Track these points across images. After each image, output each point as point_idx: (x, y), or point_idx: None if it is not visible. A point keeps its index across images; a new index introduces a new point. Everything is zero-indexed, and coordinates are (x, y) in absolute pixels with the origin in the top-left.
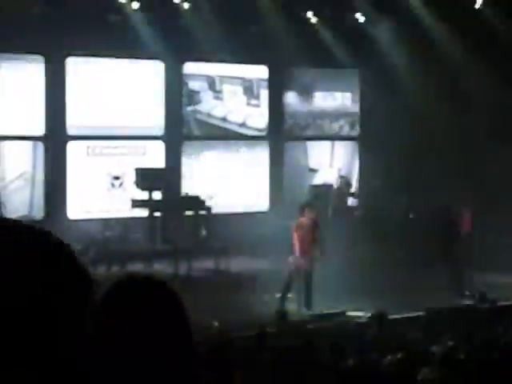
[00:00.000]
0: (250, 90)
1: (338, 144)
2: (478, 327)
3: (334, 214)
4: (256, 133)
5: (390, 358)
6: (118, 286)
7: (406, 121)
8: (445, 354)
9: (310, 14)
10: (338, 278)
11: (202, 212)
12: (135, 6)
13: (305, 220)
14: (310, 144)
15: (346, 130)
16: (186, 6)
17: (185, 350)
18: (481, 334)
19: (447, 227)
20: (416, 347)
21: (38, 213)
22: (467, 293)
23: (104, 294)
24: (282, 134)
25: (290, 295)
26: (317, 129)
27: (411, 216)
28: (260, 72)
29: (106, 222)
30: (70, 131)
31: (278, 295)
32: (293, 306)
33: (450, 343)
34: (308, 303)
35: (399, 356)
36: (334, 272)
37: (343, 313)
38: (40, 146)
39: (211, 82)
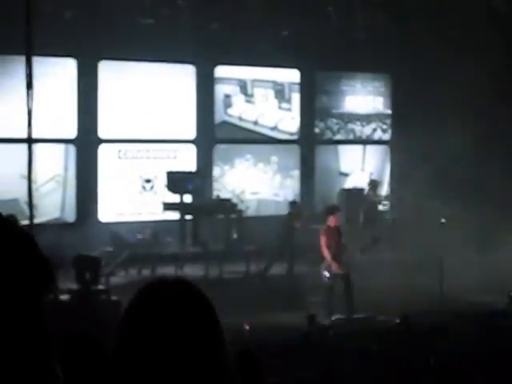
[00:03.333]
0: (281, 93)
1: (370, 148)
2: None
3: (366, 220)
4: (287, 136)
5: None
6: (149, 287)
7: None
8: None
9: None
10: (366, 282)
11: (234, 215)
12: (166, 10)
13: (332, 224)
14: (342, 148)
15: (377, 134)
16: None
17: (214, 349)
18: None
19: None
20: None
21: (70, 215)
22: None
23: (135, 296)
24: (314, 138)
25: (319, 299)
26: (348, 133)
27: (443, 221)
28: (292, 76)
29: (138, 225)
30: (102, 134)
31: (310, 299)
32: (322, 311)
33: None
34: (349, 307)
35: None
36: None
37: (373, 317)
38: (72, 148)
39: (243, 86)
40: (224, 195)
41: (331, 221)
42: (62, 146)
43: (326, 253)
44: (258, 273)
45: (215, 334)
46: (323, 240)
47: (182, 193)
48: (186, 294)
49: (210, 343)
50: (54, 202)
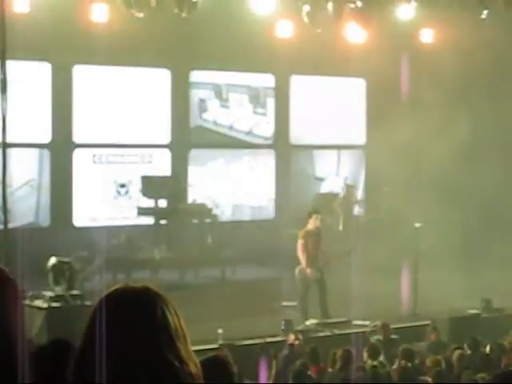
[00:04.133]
0: (256, 98)
1: (345, 152)
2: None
3: (345, 225)
4: (262, 141)
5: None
6: (112, 294)
7: (410, 129)
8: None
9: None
10: (342, 287)
11: (208, 220)
12: (139, 14)
13: (311, 228)
14: (317, 152)
15: (352, 139)
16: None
17: (168, 357)
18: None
19: None
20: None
21: (44, 220)
22: None
23: (99, 301)
24: (289, 143)
25: (295, 304)
26: (323, 137)
27: (417, 225)
28: (266, 80)
29: (112, 230)
30: (76, 139)
31: (285, 304)
32: (297, 315)
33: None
34: (324, 312)
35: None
36: (339, 281)
37: (349, 321)
38: (46, 153)
39: (218, 91)
40: (199, 200)
41: (310, 224)
42: (36, 151)
43: (302, 256)
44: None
45: (168, 341)
46: (301, 243)
47: (156, 197)
48: (146, 300)
49: (167, 349)
50: (28, 206)
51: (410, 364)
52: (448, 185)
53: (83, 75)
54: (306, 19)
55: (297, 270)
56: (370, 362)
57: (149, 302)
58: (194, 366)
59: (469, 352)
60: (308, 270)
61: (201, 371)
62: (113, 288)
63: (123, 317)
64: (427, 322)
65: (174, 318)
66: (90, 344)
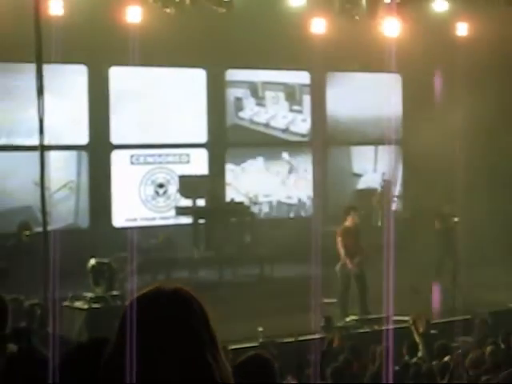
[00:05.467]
0: (292, 95)
1: (382, 149)
2: None
3: (383, 221)
4: (299, 138)
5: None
6: (143, 296)
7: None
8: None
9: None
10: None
11: (246, 218)
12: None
13: (349, 225)
14: (354, 149)
15: (388, 135)
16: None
17: (203, 357)
18: None
19: None
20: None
21: (84, 221)
22: None
23: (130, 303)
24: (325, 140)
25: (334, 301)
26: (360, 133)
27: (456, 219)
28: (302, 77)
29: (151, 230)
30: (114, 140)
31: (325, 301)
32: (337, 312)
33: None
34: (363, 308)
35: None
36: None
37: (388, 317)
38: (84, 155)
39: (253, 89)
40: (237, 198)
41: (349, 221)
42: (74, 153)
43: (342, 253)
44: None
45: (204, 341)
46: (340, 240)
47: (194, 197)
48: (179, 302)
49: (200, 351)
50: (67, 208)
51: (447, 359)
52: (487, 177)
53: (119, 77)
54: (340, 15)
55: (337, 267)
56: (408, 358)
57: (182, 303)
58: (227, 370)
59: (503, 347)
60: (348, 267)
61: (231, 375)
62: (144, 289)
63: (156, 317)
64: (467, 317)
65: (207, 319)
66: (121, 345)
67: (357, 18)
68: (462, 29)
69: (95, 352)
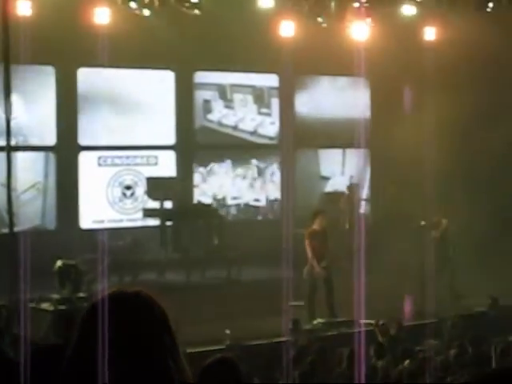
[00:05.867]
0: (260, 98)
1: (350, 152)
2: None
3: (351, 224)
4: (267, 141)
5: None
6: (99, 301)
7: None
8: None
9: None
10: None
11: (214, 221)
12: (146, 13)
13: (317, 228)
14: (322, 152)
15: (357, 138)
16: (195, 12)
17: (158, 345)
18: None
19: None
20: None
21: (51, 223)
22: None
23: (91, 306)
24: (294, 142)
25: (302, 303)
26: (328, 137)
27: (423, 223)
28: (271, 80)
29: (118, 232)
30: (82, 141)
31: (292, 304)
32: (305, 315)
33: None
34: (331, 311)
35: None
36: (346, 280)
37: (355, 321)
38: (52, 156)
39: (222, 91)
40: (205, 201)
41: (316, 224)
42: (42, 154)
43: (310, 256)
44: None
45: (165, 345)
46: (307, 243)
47: (162, 199)
48: (140, 306)
49: (160, 354)
50: (34, 209)
51: (412, 363)
52: (452, 181)
53: (88, 78)
54: (309, 18)
55: (305, 270)
56: (375, 360)
57: (143, 306)
58: (187, 373)
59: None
60: (315, 270)
61: (191, 378)
62: (105, 292)
63: (117, 320)
64: (434, 320)
65: (168, 322)
66: (81, 348)
67: (324, 24)
68: (430, 33)
69: (52, 357)
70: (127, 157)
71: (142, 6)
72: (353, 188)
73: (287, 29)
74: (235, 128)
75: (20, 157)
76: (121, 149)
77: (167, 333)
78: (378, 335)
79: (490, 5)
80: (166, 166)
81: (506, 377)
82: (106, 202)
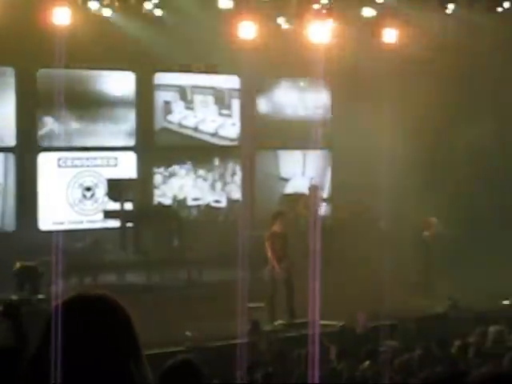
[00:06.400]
0: (221, 99)
1: (310, 153)
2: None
3: (305, 225)
4: (228, 142)
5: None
6: (67, 303)
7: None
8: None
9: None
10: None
11: (174, 222)
12: (107, 13)
13: (277, 229)
14: (282, 153)
15: (317, 139)
16: (157, 13)
17: (121, 350)
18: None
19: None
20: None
21: (10, 224)
22: None
23: (54, 309)
24: (254, 144)
25: (262, 305)
26: (288, 138)
27: (382, 224)
28: (231, 82)
29: (79, 234)
30: (41, 142)
31: (252, 305)
32: (265, 316)
33: (419, 351)
34: (291, 312)
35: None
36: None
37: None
38: (11, 157)
39: (182, 92)
40: (165, 202)
41: (276, 226)
42: (1, 155)
43: (271, 258)
44: None
45: (128, 350)
46: (268, 245)
47: (122, 200)
48: (104, 310)
49: (123, 360)
50: None
51: (375, 364)
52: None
53: (48, 79)
54: (270, 20)
55: (265, 271)
56: (337, 362)
57: (107, 311)
58: (149, 378)
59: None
60: (276, 271)
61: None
62: (68, 296)
63: (80, 325)
64: (394, 322)
65: (132, 327)
66: (46, 352)
67: (285, 26)
68: (391, 34)
69: (7, 360)
70: (87, 158)
71: (102, 6)
72: (312, 189)
73: (247, 30)
74: (196, 129)
75: None
76: (81, 150)
77: (131, 337)
78: (339, 336)
79: (451, 6)
80: (127, 167)
81: (457, 378)
82: (66, 204)
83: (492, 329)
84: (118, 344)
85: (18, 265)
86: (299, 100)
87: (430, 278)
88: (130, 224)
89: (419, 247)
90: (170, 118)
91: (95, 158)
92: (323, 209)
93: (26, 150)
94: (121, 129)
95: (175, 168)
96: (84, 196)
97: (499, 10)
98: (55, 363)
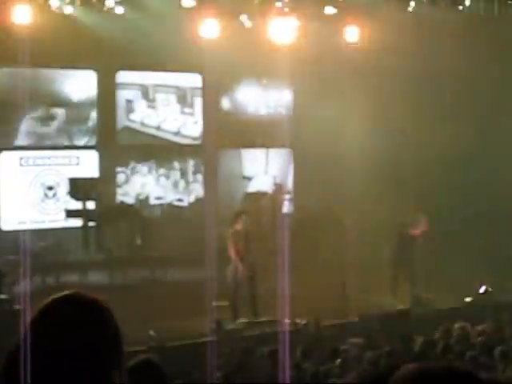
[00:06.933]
0: (183, 98)
1: (273, 151)
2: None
3: (268, 223)
4: (190, 141)
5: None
6: (51, 303)
7: (339, 128)
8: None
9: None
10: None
11: (137, 221)
12: (68, 10)
13: (239, 228)
14: (245, 152)
15: (280, 138)
16: (119, 11)
17: (107, 362)
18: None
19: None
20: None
21: None
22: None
23: (39, 310)
24: (217, 142)
25: (225, 304)
26: (251, 136)
27: (346, 221)
28: (194, 80)
29: (40, 233)
30: (2, 141)
31: (216, 304)
32: (228, 315)
33: (386, 348)
34: (254, 311)
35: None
36: (269, 280)
37: (279, 320)
38: None
39: (145, 91)
40: (127, 201)
41: (239, 224)
42: None
43: (234, 257)
44: None
45: (113, 349)
46: (230, 243)
47: (84, 199)
48: (88, 309)
49: (102, 353)
50: None
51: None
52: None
53: (7, 78)
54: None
55: (228, 270)
56: (301, 360)
57: (102, 319)
58: None
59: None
60: (239, 270)
61: None
62: (55, 296)
63: (68, 329)
64: (357, 319)
65: (120, 334)
66: (28, 350)
67: (248, 23)
68: (353, 32)
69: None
70: (49, 157)
71: (63, 3)
72: (275, 188)
73: (210, 28)
74: (158, 128)
75: None
76: (42, 149)
77: (119, 346)
78: (302, 334)
79: (412, 4)
80: (88, 166)
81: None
82: (28, 203)
83: (457, 325)
84: (105, 356)
85: None
86: (261, 98)
87: (413, 276)
88: (92, 223)
89: (403, 245)
90: (132, 116)
91: (57, 157)
92: (287, 207)
93: None
94: (82, 128)
95: (137, 167)
96: (46, 195)
97: (460, 8)
98: (33, 365)
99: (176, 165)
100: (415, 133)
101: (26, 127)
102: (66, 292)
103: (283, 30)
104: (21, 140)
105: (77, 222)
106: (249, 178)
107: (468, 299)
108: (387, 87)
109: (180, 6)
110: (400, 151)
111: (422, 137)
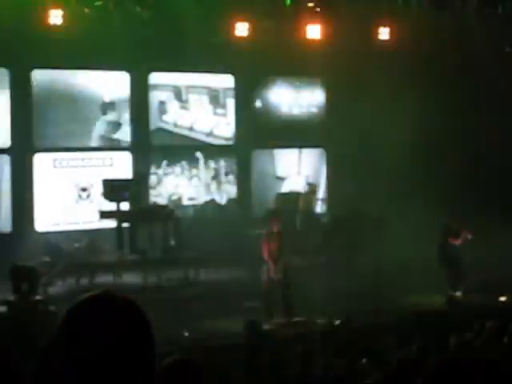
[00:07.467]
0: (216, 99)
1: (306, 152)
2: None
3: (302, 223)
4: (223, 142)
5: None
6: (85, 302)
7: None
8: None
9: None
10: (307, 286)
11: (170, 222)
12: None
13: (273, 228)
14: (278, 152)
15: (313, 138)
16: (150, 14)
17: (143, 363)
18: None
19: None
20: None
21: (6, 226)
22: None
23: (72, 309)
24: (249, 143)
25: (259, 304)
26: (284, 137)
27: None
28: (226, 81)
29: (75, 234)
30: (37, 143)
31: (249, 304)
32: (262, 315)
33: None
34: (288, 311)
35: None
36: (303, 280)
37: (311, 321)
38: (6, 158)
39: (177, 92)
40: (161, 202)
41: (272, 225)
42: None
43: (267, 257)
44: None
45: (145, 352)
46: (264, 244)
47: (118, 200)
48: (122, 311)
49: (141, 361)
50: None
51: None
52: (407, 178)
53: (42, 79)
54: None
55: (262, 270)
56: (334, 359)
57: (132, 319)
58: None
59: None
60: (272, 270)
61: None
62: (85, 297)
63: (99, 334)
64: (392, 319)
65: (153, 339)
66: (56, 356)
67: (280, 23)
68: (385, 31)
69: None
70: (83, 159)
71: (95, 7)
72: (308, 188)
73: (242, 28)
74: (191, 129)
75: None
76: (76, 150)
77: (150, 344)
78: (335, 334)
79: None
80: (122, 167)
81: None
82: (62, 204)
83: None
84: (136, 356)
85: (14, 266)
86: (294, 98)
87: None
88: (126, 224)
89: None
90: (165, 117)
91: (91, 159)
92: (320, 207)
93: (22, 150)
94: (117, 128)
95: (171, 167)
96: (80, 196)
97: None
98: (65, 364)
99: (209, 165)
100: (452, 131)
101: (99, 131)
102: (97, 292)
103: (315, 30)
104: (55, 141)
105: (111, 223)
106: (282, 179)
107: (502, 298)
108: (420, 86)
109: (211, 7)
110: (436, 150)
111: (464, 134)
